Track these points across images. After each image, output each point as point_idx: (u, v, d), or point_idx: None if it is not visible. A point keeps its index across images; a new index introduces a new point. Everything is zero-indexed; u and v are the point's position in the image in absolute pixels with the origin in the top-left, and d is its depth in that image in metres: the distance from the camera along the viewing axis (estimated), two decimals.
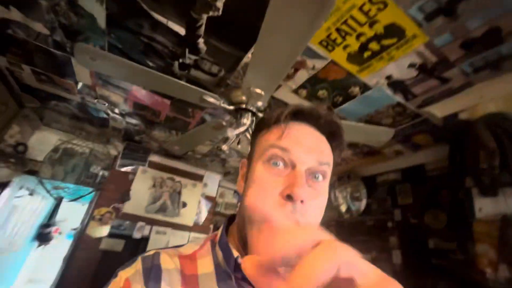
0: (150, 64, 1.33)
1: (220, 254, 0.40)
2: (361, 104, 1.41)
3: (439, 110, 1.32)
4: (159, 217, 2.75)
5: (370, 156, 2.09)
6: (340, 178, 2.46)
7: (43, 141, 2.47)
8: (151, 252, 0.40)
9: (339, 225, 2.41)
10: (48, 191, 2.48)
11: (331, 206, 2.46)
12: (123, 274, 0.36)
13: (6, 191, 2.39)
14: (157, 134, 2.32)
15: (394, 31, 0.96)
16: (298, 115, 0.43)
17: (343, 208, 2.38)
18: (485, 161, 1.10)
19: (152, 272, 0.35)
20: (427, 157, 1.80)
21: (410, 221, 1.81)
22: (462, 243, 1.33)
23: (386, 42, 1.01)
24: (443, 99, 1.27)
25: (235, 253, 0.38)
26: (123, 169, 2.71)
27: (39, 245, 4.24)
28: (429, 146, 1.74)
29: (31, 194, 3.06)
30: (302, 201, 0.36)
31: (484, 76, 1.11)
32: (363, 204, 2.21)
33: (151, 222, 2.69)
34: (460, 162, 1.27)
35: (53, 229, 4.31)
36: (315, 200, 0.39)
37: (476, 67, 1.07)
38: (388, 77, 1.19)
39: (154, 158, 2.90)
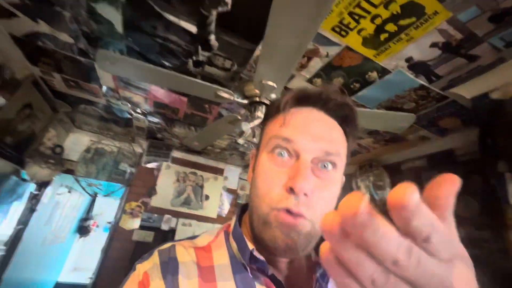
0: (166, 63, 1.38)
1: (234, 245, 0.40)
2: (380, 90, 1.35)
3: (467, 91, 1.23)
4: (184, 209, 2.89)
5: (392, 143, 2.00)
6: (362, 167, 2.40)
7: (77, 142, 2.68)
8: (167, 245, 0.40)
9: None
10: (83, 188, 2.70)
11: None
12: (141, 267, 0.37)
13: (49, 189, 2.65)
14: (177, 130, 2.41)
15: (412, 9, 0.90)
16: (304, 99, 0.40)
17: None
18: None
19: (169, 266, 0.36)
20: (456, 141, 1.69)
21: None
22: (496, 231, 1.25)
23: (403, 22, 0.95)
24: (471, 78, 1.17)
25: (250, 246, 0.37)
26: (149, 166, 2.86)
27: (80, 237, 4.66)
28: (457, 130, 1.63)
29: (69, 191, 3.36)
30: (305, 194, 0.34)
31: None
32: (386, 193, 2.14)
33: (177, 214, 2.83)
34: (491, 145, 1.17)
35: (91, 222, 4.71)
36: (324, 192, 0.36)
37: (509, 41, 0.97)
38: (408, 59, 1.13)
39: (177, 154, 3.03)
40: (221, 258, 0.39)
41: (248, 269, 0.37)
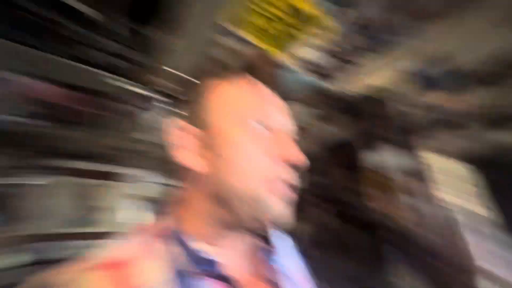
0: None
1: (177, 250, 0.33)
2: None
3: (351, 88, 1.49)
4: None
5: None
6: None
7: None
8: (59, 278, 0.29)
9: None
10: None
11: None
12: None
13: None
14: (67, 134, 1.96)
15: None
16: (251, 70, 0.42)
17: None
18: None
19: None
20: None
21: None
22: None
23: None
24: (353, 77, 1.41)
25: (197, 246, 0.33)
26: None
27: None
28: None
29: None
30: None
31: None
32: None
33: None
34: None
35: None
36: None
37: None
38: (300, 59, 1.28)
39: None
40: (154, 274, 0.30)
41: (194, 275, 0.31)
